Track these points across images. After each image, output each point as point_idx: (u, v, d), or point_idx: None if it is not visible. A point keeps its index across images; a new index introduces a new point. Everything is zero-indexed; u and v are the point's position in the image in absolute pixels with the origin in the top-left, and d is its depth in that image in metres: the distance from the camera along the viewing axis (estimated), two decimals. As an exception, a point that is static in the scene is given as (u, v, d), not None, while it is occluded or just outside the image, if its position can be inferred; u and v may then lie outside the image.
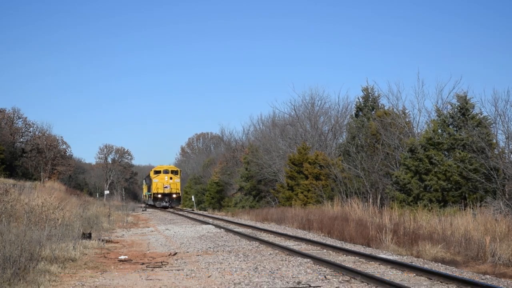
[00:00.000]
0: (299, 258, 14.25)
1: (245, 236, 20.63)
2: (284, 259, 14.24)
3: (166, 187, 53.94)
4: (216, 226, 26.20)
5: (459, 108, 27.59)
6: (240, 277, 11.41)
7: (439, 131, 27.67)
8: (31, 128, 76.15)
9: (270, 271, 12.17)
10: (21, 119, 75.29)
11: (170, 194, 54.01)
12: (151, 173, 57.22)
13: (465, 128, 26.48)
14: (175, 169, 58.73)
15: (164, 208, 52.91)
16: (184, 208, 56.72)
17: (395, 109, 33.94)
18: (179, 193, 55.61)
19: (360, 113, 36.70)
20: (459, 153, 25.66)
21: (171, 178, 54.91)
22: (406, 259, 14.38)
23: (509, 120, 25.77)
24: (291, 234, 21.27)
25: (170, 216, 38.02)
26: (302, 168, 36.18)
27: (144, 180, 72.79)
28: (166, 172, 55.74)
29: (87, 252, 15.44)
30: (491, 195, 23.85)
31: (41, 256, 12.50)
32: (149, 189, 59.68)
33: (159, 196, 53.83)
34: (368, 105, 36.52)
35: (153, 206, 55.64)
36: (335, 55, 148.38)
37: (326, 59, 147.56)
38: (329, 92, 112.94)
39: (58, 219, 18.31)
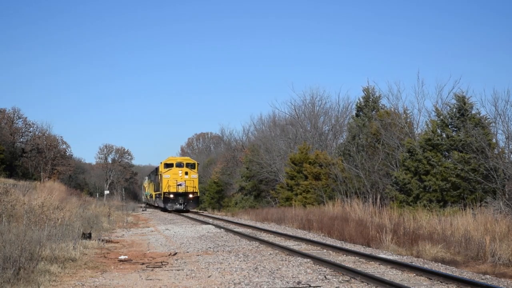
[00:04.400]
0: (299, 258, 14.25)
1: (245, 236, 20.63)
2: (284, 259, 14.24)
3: (180, 184, 42.94)
4: (216, 226, 26.19)
5: (457, 108, 27.60)
6: (240, 277, 11.41)
7: (438, 131, 27.68)
8: (31, 128, 76.45)
9: (270, 271, 12.16)
10: (21, 119, 75.57)
11: (185, 194, 42.95)
12: (161, 167, 45.19)
13: (464, 128, 26.49)
14: (192, 161, 46.42)
15: (178, 211, 42.34)
16: None
17: (395, 110, 33.96)
18: (196, 193, 44.04)
19: (361, 113, 36.72)
20: (458, 154, 25.66)
21: (186, 174, 43.64)
22: (406, 259, 14.38)
23: (509, 120, 25.81)
24: (291, 234, 21.27)
25: (170, 216, 37.99)
26: (302, 168, 36.19)
27: (147, 177, 63.12)
28: (180, 165, 44.20)
29: (87, 252, 15.44)
30: (491, 195, 23.85)
31: (41, 256, 12.49)
32: (157, 188, 48.38)
33: (171, 196, 42.75)
34: (368, 105, 36.54)
35: (164, 210, 44.43)
36: (335, 55, 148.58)
37: (326, 59, 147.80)
38: (329, 92, 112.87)
39: (58, 219, 18.32)
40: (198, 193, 45.49)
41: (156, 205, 50.38)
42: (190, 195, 43.15)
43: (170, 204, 42.73)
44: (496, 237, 15.87)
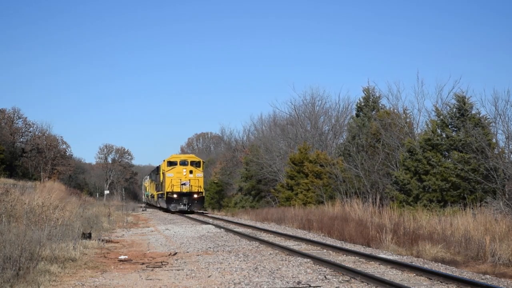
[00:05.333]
0: (299, 258, 14.24)
1: (245, 236, 20.63)
2: (284, 259, 14.24)
3: (184, 184, 40.36)
4: (216, 226, 26.19)
5: (457, 108, 27.61)
6: (240, 277, 11.41)
7: (438, 131, 27.68)
8: (31, 128, 76.57)
9: (270, 271, 12.16)
10: (21, 119, 75.68)
11: (190, 194, 40.45)
12: (164, 166, 42.65)
13: (464, 128, 26.50)
14: (197, 159, 43.73)
15: (182, 212, 39.74)
16: None
17: (395, 110, 34.00)
18: (202, 192, 41.55)
19: (361, 113, 36.75)
20: (457, 154, 25.67)
21: (191, 172, 41.03)
22: (406, 259, 14.38)
23: (509, 120, 25.85)
24: (291, 234, 21.27)
25: (170, 216, 37.92)
26: (302, 168, 36.21)
27: (148, 176, 60.65)
28: (184, 163, 41.60)
29: (87, 252, 15.44)
30: (491, 195, 23.86)
31: (41, 256, 12.49)
32: (159, 187, 45.66)
33: (175, 196, 40.26)
34: (368, 105, 36.58)
35: (167, 210, 42.16)
36: (335, 55, 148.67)
37: (326, 59, 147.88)
38: (330, 92, 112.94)
39: (58, 219, 18.31)
40: (204, 193, 42.83)
41: (158, 205, 48.06)
42: (195, 195, 40.54)
43: (174, 205, 40.31)
44: (496, 237, 15.87)
